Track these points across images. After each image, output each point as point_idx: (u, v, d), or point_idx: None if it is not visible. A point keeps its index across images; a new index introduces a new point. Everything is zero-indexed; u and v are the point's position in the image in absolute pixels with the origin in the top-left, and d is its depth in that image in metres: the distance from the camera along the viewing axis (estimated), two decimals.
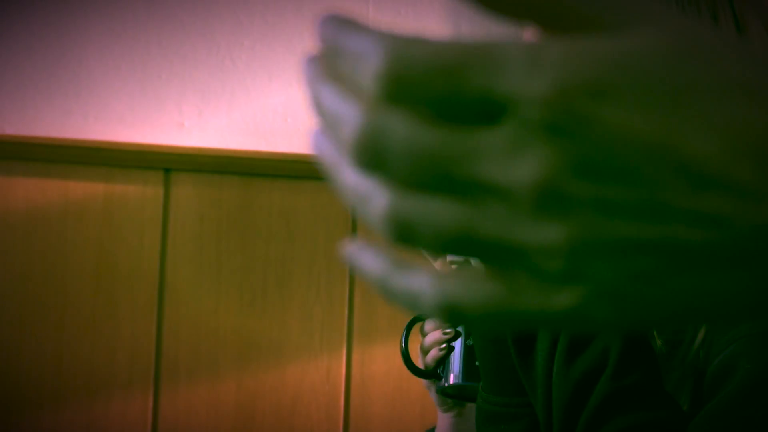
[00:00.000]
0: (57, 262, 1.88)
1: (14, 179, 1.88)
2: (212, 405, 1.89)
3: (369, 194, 0.35)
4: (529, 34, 1.03)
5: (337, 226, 1.95)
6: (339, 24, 0.35)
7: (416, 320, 1.22)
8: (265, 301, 1.92)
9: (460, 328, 1.15)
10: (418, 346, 1.20)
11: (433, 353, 1.17)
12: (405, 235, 0.35)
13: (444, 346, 1.17)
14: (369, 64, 0.34)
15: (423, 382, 1.22)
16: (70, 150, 1.87)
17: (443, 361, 1.17)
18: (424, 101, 0.33)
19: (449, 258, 1.03)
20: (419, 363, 1.20)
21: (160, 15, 1.92)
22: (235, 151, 1.91)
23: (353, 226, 1.95)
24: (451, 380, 1.16)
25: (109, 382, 1.87)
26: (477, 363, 1.07)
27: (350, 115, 0.34)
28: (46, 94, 1.89)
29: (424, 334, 1.20)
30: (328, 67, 0.36)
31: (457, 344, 1.15)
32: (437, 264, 1.07)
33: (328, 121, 0.36)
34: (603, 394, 0.87)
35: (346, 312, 1.94)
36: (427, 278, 0.35)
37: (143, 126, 1.90)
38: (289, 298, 1.93)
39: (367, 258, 0.37)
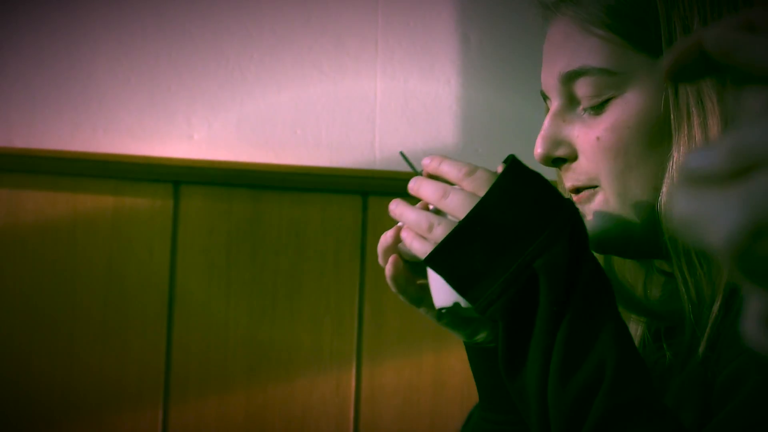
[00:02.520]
0: (66, 275, 1.88)
1: (23, 192, 1.88)
2: (222, 417, 1.89)
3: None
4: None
5: (346, 238, 1.94)
6: None
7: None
8: (275, 314, 1.92)
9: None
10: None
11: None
12: None
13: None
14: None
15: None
16: (79, 163, 1.88)
17: None
18: None
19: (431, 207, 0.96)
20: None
21: (169, 28, 1.92)
22: (244, 164, 1.91)
23: (363, 237, 1.95)
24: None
25: (118, 395, 1.87)
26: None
27: None
28: (55, 106, 1.89)
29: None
30: None
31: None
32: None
33: None
34: (602, 411, 0.86)
35: (356, 324, 1.93)
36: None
37: (152, 139, 1.90)
38: (298, 311, 1.93)
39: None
